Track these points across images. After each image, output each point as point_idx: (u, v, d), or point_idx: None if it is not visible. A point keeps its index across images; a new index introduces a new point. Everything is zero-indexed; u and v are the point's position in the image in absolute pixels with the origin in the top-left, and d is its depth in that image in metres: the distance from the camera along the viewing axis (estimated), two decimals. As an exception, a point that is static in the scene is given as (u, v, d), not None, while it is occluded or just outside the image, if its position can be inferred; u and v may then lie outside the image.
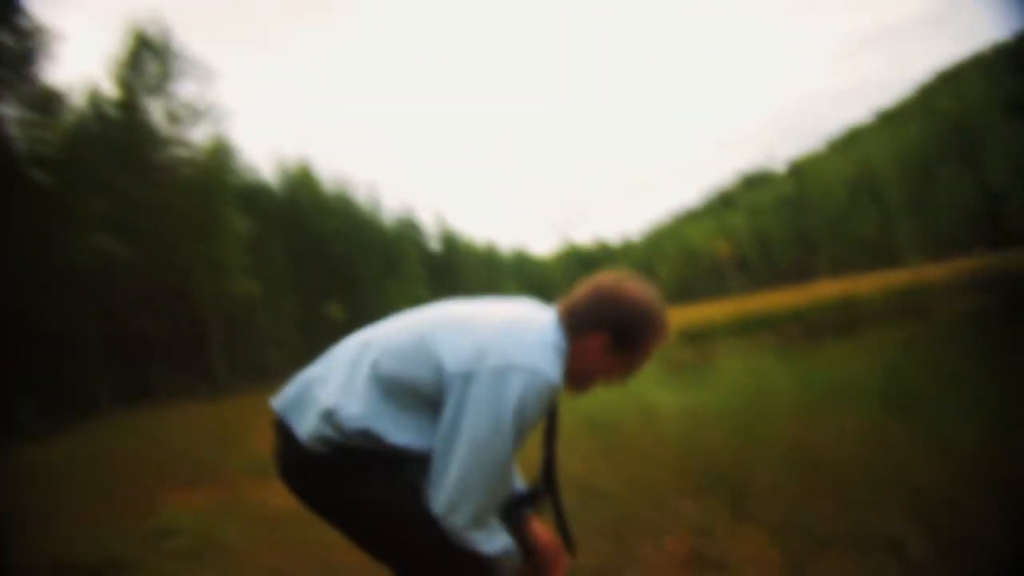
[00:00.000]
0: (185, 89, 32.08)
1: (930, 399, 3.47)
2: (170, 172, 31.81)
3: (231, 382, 32.90)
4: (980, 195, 66.47)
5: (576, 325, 1.32)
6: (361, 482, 1.26)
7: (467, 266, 77.33)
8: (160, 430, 10.78)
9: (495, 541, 1.28)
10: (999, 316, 11.83)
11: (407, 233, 65.26)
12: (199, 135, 33.46)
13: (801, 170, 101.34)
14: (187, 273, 30.62)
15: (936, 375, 4.11)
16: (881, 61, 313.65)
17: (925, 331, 9.17)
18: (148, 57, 30.96)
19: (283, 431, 1.32)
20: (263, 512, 3.95)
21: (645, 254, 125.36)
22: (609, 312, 1.31)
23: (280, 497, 4.40)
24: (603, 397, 4.24)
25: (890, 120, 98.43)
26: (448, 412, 1.21)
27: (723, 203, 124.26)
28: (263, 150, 77.44)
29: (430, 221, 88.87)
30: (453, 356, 1.23)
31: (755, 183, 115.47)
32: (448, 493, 1.20)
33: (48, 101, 25.72)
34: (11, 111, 24.48)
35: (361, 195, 57.53)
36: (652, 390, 4.99)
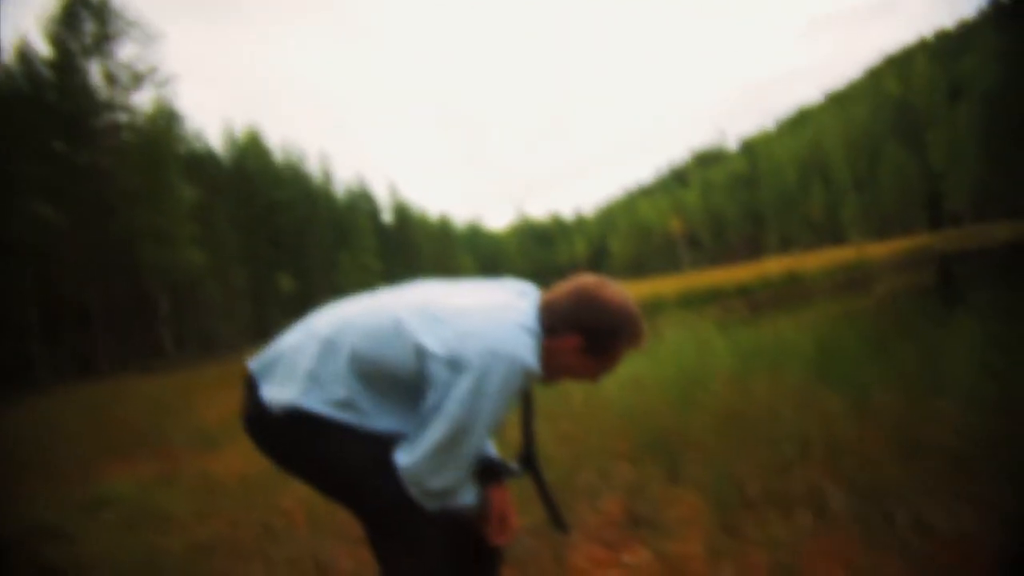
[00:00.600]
0: (125, 50, 30.66)
1: (857, 367, 3.64)
2: (111, 137, 30.49)
3: (179, 355, 32.15)
4: (922, 176, 68.84)
5: (553, 323, 1.34)
6: (322, 436, 1.28)
7: (420, 239, 76.64)
8: (102, 404, 10.48)
9: (464, 496, 1.36)
10: (932, 292, 12.41)
11: (359, 205, 64.28)
12: (142, 100, 32.17)
13: (753, 149, 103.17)
14: (130, 243, 29.53)
15: (865, 345, 4.30)
16: (833, 44, 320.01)
17: (862, 305, 9.54)
18: (84, 15, 29.41)
19: (252, 391, 1.35)
20: (205, 482, 3.91)
21: (598, 229, 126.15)
22: (586, 316, 1.33)
23: (222, 467, 4.38)
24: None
25: (839, 101, 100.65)
26: (430, 396, 1.24)
27: (676, 180, 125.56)
28: (210, 117, 74.75)
29: (383, 193, 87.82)
30: (434, 341, 1.24)
31: (708, 161, 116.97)
32: (418, 463, 1.25)
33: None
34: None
35: (312, 165, 56.49)
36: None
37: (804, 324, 6.45)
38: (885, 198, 72.01)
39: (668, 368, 4.54)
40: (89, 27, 29.49)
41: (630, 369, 4.50)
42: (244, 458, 4.45)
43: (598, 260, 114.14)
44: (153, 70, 31.47)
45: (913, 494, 2.07)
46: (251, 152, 49.00)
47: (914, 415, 2.73)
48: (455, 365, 1.22)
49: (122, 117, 31.16)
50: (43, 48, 29.21)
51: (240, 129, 49.20)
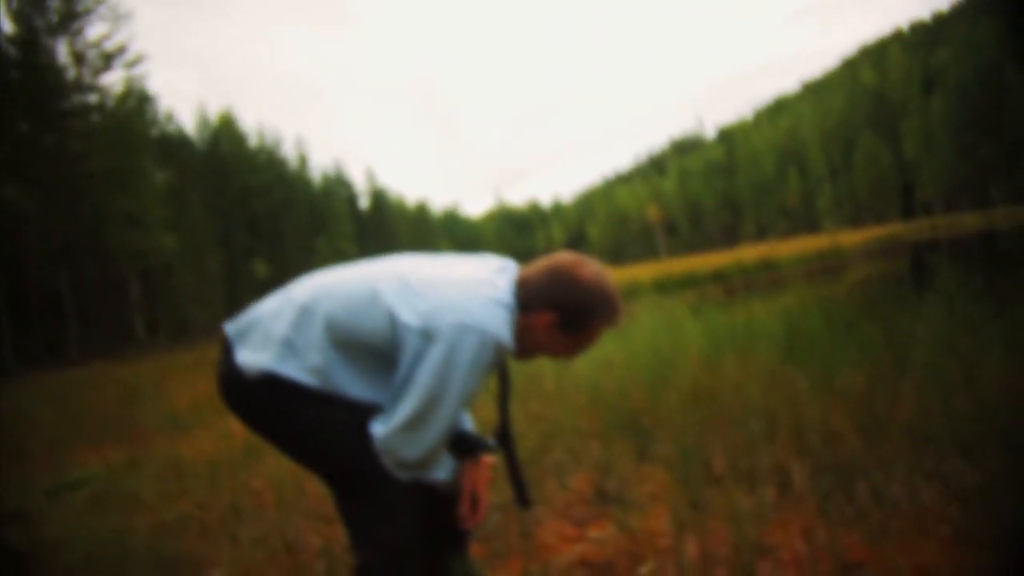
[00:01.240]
0: (93, 29, 29.90)
1: (825, 348, 3.70)
2: (80, 119, 29.74)
3: (151, 341, 31.69)
4: (896, 166, 69.94)
5: (527, 300, 1.33)
6: (296, 402, 1.29)
7: (398, 224, 76.22)
8: (72, 391, 10.31)
9: (439, 469, 1.39)
10: (903, 279, 12.65)
11: (336, 190, 63.66)
12: (111, 81, 31.43)
13: (730, 137, 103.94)
14: (101, 227, 28.91)
15: (833, 328, 4.37)
16: (811, 34, 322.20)
17: (834, 291, 9.69)
18: (50, -9, 28.51)
19: (227, 354, 1.35)
20: (174, 465, 3.87)
21: (576, 216, 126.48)
22: (561, 293, 1.32)
23: (192, 450, 4.34)
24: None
25: (816, 91, 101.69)
26: (403, 365, 1.25)
27: (654, 167, 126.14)
28: (183, 99, 73.41)
29: (360, 178, 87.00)
30: (408, 311, 1.24)
31: (686, 149, 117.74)
32: (392, 433, 1.26)
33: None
34: None
35: (289, 149, 55.80)
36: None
37: (776, 309, 6.52)
38: (859, 187, 73.08)
39: (641, 349, 4.57)
40: (55, 3, 28.57)
41: (602, 351, 4.53)
42: (214, 441, 4.42)
43: (576, 246, 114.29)
44: (123, 50, 30.60)
45: (874, 469, 2.12)
46: (225, 135, 48.21)
47: (878, 394, 2.78)
48: (427, 335, 1.22)
49: (91, 98, 30.30)
50: (6, 25, 28.28)
51: (214, 112, 48.43)
